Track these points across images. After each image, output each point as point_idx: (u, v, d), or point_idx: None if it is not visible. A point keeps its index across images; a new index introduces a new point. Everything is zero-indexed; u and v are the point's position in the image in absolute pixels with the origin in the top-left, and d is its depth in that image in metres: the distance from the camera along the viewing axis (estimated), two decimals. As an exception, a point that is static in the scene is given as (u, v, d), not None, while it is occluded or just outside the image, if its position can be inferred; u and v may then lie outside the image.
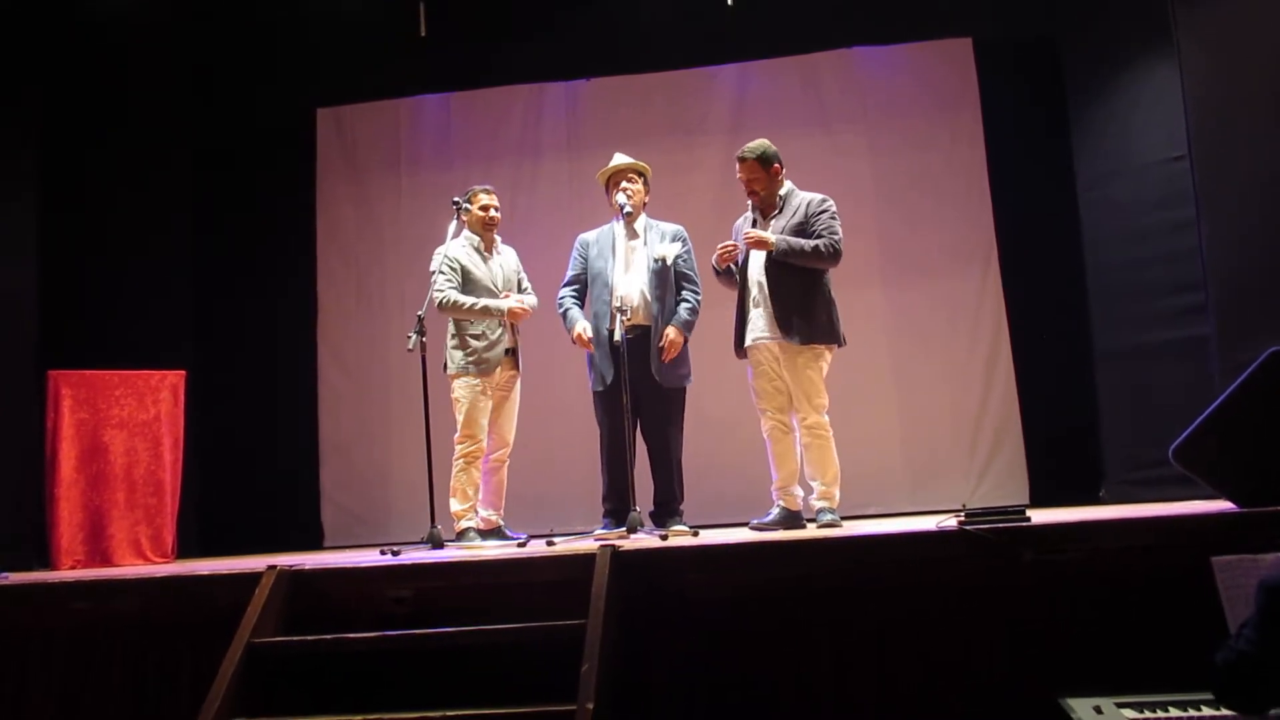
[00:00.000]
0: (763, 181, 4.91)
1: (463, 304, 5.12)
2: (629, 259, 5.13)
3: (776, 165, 4.92)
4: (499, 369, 5.18)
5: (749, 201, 4.98)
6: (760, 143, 4.94)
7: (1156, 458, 4.67)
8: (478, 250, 5.30)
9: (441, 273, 5.18)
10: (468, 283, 5.20)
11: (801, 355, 4.76)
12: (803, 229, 4.81)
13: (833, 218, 4.82)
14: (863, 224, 6.90)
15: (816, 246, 4.72)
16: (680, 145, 7.27)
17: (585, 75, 7.55)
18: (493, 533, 5.18)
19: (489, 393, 5.18)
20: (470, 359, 5.13)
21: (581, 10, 7.18)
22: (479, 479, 5.20)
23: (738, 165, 4.94)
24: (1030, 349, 6.93)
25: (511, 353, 5.23)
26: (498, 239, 5.41)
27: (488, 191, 5.38)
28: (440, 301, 5.13)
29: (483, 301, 5.15)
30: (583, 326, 5.08)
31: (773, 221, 4.88)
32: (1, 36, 6.06)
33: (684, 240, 5.21)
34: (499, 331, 5.18)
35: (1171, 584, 3.29)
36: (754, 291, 4.89)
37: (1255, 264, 4.91)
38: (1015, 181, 7.04)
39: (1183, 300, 5.89)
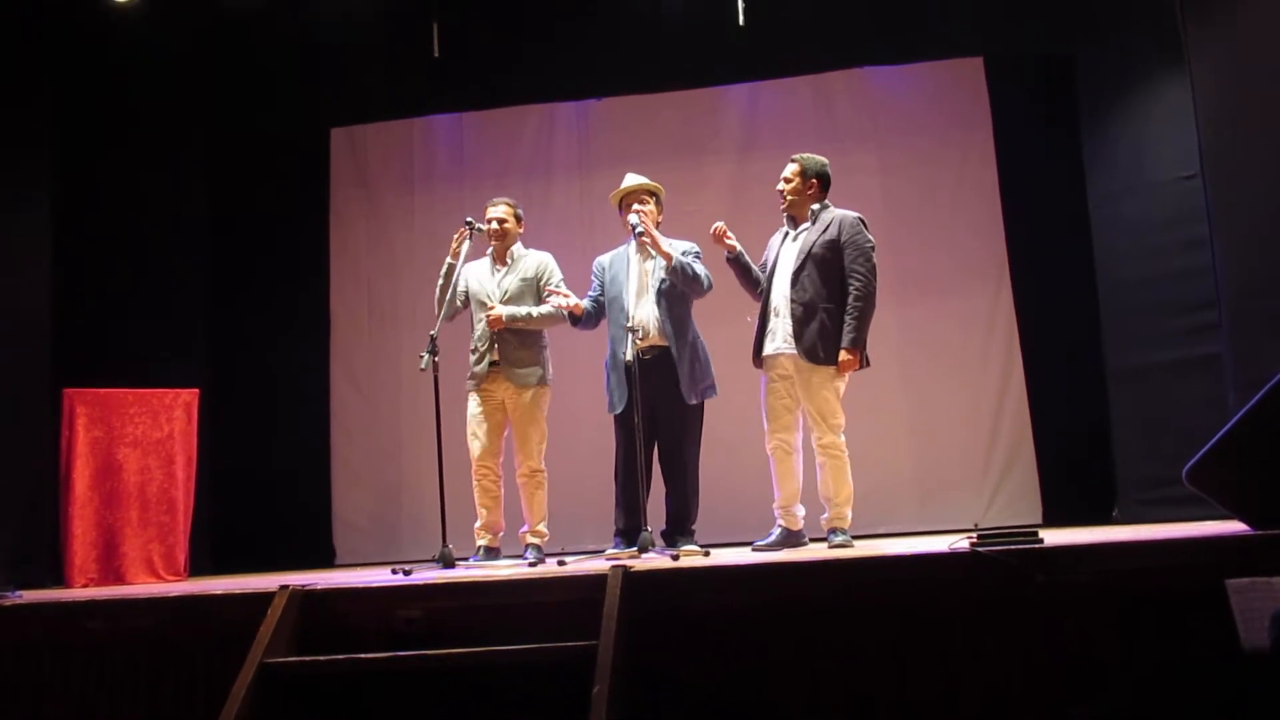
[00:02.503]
0: (796, 187, 4.97)
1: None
2: (643, 281, 5.14)
3: (815, 181, 4.97)
4: (490, 382, 5.21)
5: (783, 215, 5.06)
6: (817, 157, 5.04)
7: (1170, 478, 4.64)
8: (491, 261, 5.35)
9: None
10: (469, 297, 5.33)
11: (817, 374, 4.76)
12: (834, 246, 4.82)
13: (867, 259, 4.85)
14: (874, 242, 6.89)
15: (860, 311, 4.78)
16: (691, 164, 7.29)
17: (596, 95, 7.58)
18: (530, 549, 5.21)
19: (488, 406, 5.21)
20: (469, 375, 5.25)
21: (592, 30, 7.21)
22: (485, 499, 5.23)
23: (788, 164, 5.03)
24: (1043, 367, 6.91)
25: (497, 365, 5.21)
26: (518, 248, 5.42)
27: (493, 203, 5.42)
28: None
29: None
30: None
31: (801, 235, 4.91)
32: (14, 55, 6.11)
33: (696, 254, 5.22)
34: (484, 345, 5.22)
35: (1185, 606, 3.28)
36: (776, 302, 4.90)
37: (1269, 282, 4.88)
38: (1027, 200, 7.04)
39: (1196, 318, 5.87)
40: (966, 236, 7.09)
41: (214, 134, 7.56)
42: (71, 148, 6.64)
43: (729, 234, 4.97)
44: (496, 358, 5.19)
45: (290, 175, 7.76)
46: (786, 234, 5.02)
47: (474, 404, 5.25)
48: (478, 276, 5.33)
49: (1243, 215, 5.04)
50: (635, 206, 5.18)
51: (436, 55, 6.84)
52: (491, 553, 5.20)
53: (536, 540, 5.22)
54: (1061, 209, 6.84)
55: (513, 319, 5.20)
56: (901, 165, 7.21)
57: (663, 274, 5.11)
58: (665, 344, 5.07)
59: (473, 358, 5.27)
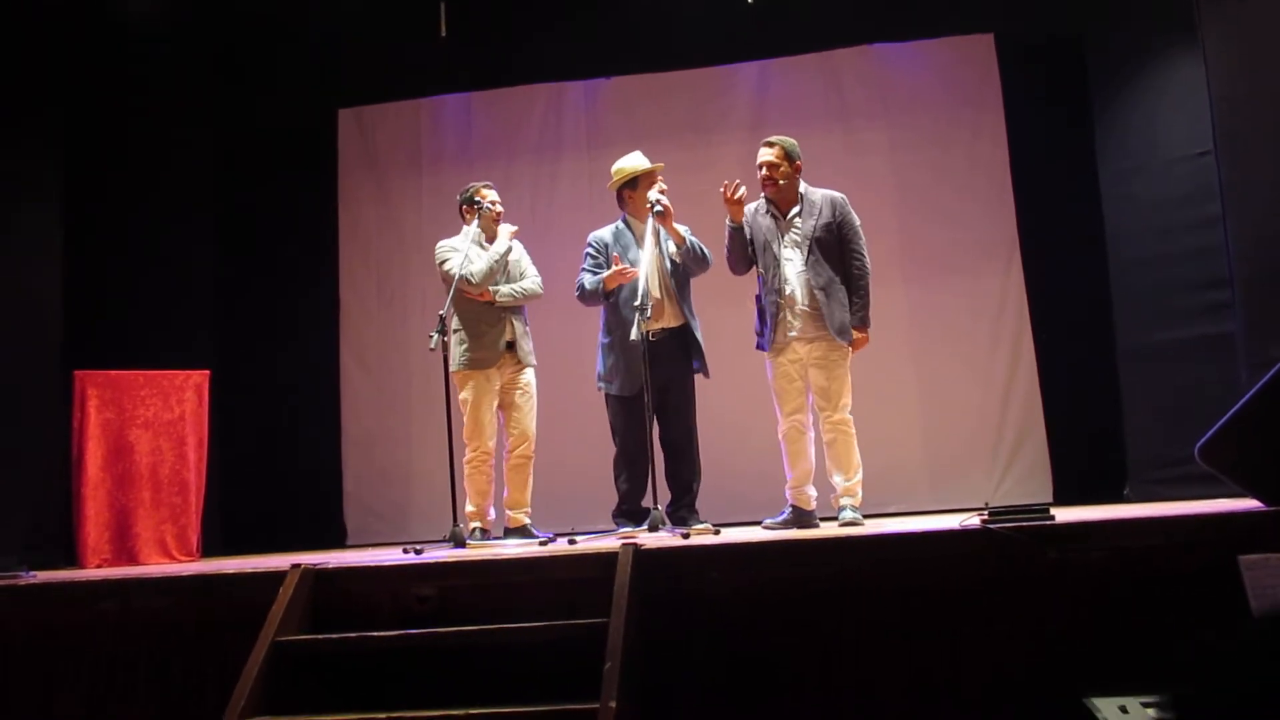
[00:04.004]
0: (785, 171, 4.92)
1: (483, 270, 5.11)
2: (653, 261, 5.10)
3: (798, 163, 4.94)
4: (500, 364, 5.18)
5: (761, 194, 4.99)
6: (788, 138, 4.98)
7: (1182, 456, 4.63)
8: (478, 243, 5.26)
9: (449, 258, 5.19)
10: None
11: (835, 351, 4.78)
12: (830, 228, 4.83)
13: (860, 237, 4.89)
14: (884, 222, 6.87)
15: (866, 289, 4.83)
16: (700, 143, 7.26)
17: (605, 74, 7.55)
18: (518, 531, 5.19)
19: (492, 390, 5.17)
20: (468, 354, 5.16)
21: (602, 9, 7.19)
22: (483, 483, 5.21)
23: (764, 149, 4.94)
24: (1053, 346, 6.88)
25: (512, 346, 5.19)
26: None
27: (489, 186, 5.42)
28: (469, 277, 5.08)
29: (491, 255, 5.16)
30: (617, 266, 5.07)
31: (799, 221, 4.88)
32: (25, 41, 6.12)
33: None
34: (496, 325, 5.18)
35: (1198, 583, 3.27)
36: (792, 287, 4.85)
37: (1282, 260, 4.87)
38: (1038, 178, 6.99)
39: (1208, 297, 5.85)
40: (977, 215, 7.05)
41: (223, 117, 7.54)
42: (80, 137, 6.65)
43: (741, 188, 4.87)
44: (511, 338, 5.19)
45: (298, 157, 7.74)
46: (773, 216, 4.96)
47: (473, 390, 5.16)
48: (476, 253, 5.23)
49: (1256, 192, 5.00)
50: (659, 185, 5.14)
51: (444, 35, 6.82)
52: (485, 534, 5.21)
53: (528, 519, 5.25)
54: (1073, 187, 6.80)
55: (509, 295, 5.22)
56: (911, 144, 7.17)
57: (673, 255, 5.09)
58: (677, 324, 5.08)
59: (474, 342, 5.16)
